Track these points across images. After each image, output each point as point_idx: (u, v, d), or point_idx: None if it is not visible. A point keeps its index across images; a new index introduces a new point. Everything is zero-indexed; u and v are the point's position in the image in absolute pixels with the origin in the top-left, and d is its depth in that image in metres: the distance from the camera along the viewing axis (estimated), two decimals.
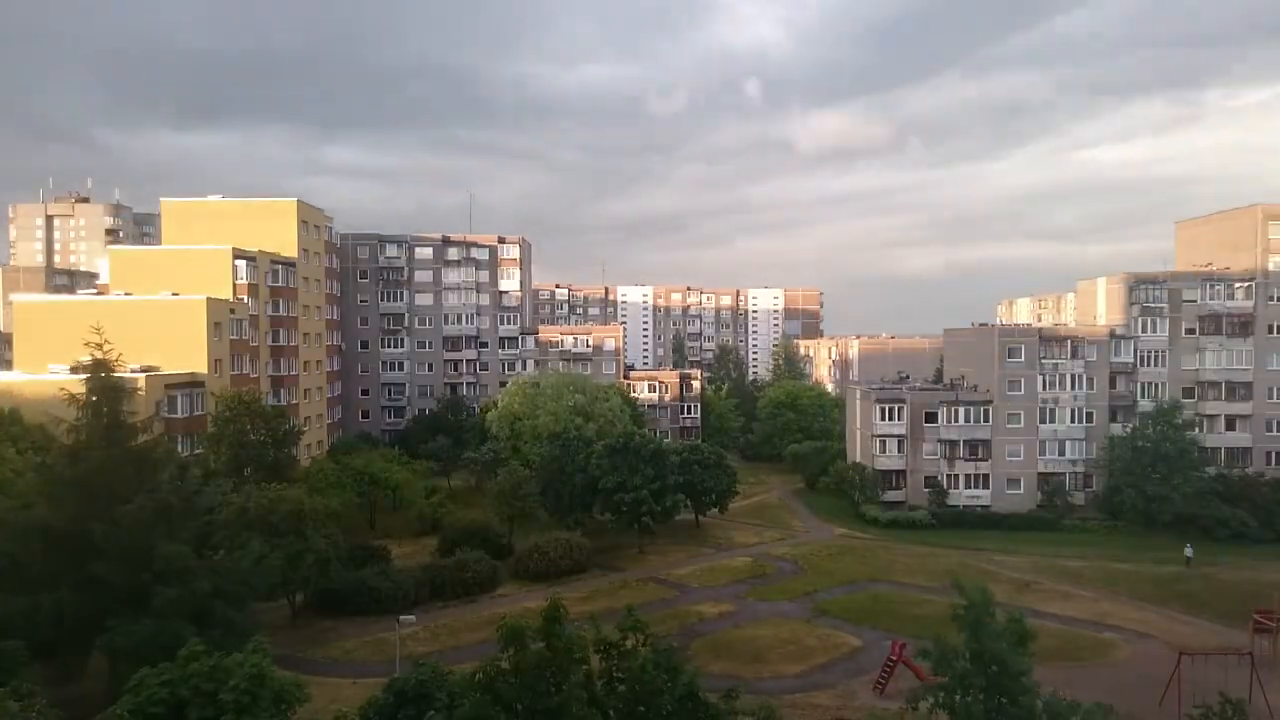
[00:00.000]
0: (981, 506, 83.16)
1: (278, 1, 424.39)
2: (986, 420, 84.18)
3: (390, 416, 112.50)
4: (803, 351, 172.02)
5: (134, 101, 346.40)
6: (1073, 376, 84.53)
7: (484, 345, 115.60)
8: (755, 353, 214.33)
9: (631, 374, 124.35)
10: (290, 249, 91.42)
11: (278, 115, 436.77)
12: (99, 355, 40.36)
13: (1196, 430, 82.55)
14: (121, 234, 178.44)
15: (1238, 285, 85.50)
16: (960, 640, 28.14)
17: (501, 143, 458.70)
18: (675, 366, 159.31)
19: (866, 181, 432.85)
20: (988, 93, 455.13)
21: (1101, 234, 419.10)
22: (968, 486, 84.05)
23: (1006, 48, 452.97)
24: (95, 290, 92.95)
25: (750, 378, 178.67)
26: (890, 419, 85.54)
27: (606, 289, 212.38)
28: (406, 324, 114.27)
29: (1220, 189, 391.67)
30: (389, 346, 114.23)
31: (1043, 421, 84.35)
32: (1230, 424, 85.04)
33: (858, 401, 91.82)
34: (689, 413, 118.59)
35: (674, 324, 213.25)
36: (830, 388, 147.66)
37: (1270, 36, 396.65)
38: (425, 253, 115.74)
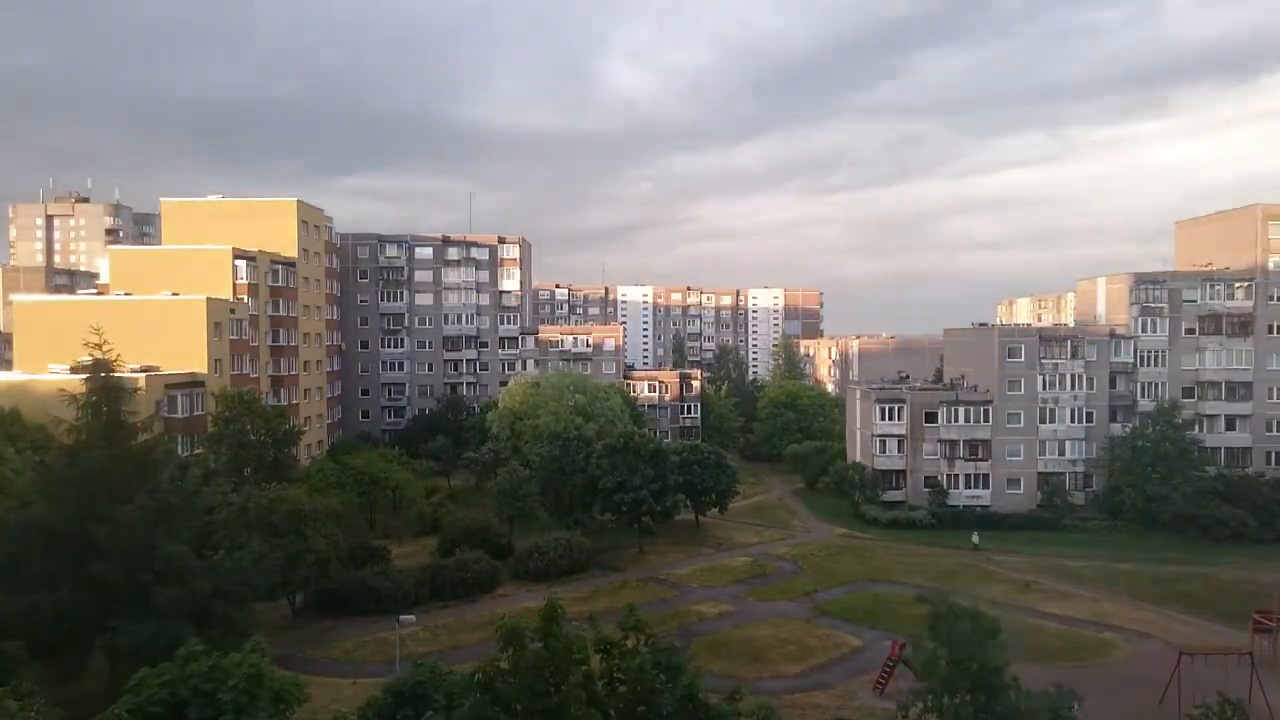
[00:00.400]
0: (981, 506, 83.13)
1: (277, 66, 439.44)
2: (986, 420, 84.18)
3: (390, 416, 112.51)
4: (803, 351, 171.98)
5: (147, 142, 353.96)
6: (1073, 376, 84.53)
7: (484, 345, 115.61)
8: (755, 353, 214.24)
9: (631, 374, 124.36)
10: (290, 249, 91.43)
11: (282, 153, 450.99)
12: (99, 355, 40.37)
13: (1196, 430, 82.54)
14: (121, 234, 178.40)
15: (1238, 285, 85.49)
16: (937, 645, 28.63)
17: (481, 170, 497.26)
18: (675, 366, 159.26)
19: (793, 201, 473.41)
20: (890, 128, 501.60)
21: (1022, 243, 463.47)
22: (968, 486, 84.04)
23: (895, 92, 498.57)
24: (95, 290, 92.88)
25: (750, 378, 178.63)
26: (890, 419, 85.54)
27: (606, 289, 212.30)
28: (406, 324, 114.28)
29: (1096, 206, 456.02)
30: (389, 346, 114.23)
31: (1043, 421, 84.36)
32: (1230, 424, 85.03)
33: (858, 401, 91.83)
34: (689, 413, 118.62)
35: (674, 324, 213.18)
36: (830, 388, 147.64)
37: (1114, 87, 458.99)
38: (425, 253, 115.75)
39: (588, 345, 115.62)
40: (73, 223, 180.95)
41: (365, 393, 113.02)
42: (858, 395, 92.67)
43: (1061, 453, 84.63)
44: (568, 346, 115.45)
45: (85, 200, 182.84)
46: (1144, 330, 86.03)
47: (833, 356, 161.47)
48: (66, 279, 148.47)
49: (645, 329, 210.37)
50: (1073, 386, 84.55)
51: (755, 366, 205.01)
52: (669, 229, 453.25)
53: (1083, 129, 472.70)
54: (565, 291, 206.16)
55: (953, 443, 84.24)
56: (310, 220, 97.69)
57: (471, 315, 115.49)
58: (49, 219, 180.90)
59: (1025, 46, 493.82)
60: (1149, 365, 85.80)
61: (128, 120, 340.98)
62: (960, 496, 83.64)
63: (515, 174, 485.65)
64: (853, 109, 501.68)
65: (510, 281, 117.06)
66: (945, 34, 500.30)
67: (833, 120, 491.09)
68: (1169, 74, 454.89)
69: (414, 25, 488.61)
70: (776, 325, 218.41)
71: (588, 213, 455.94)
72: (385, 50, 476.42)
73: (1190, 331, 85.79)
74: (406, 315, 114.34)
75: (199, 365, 68.48)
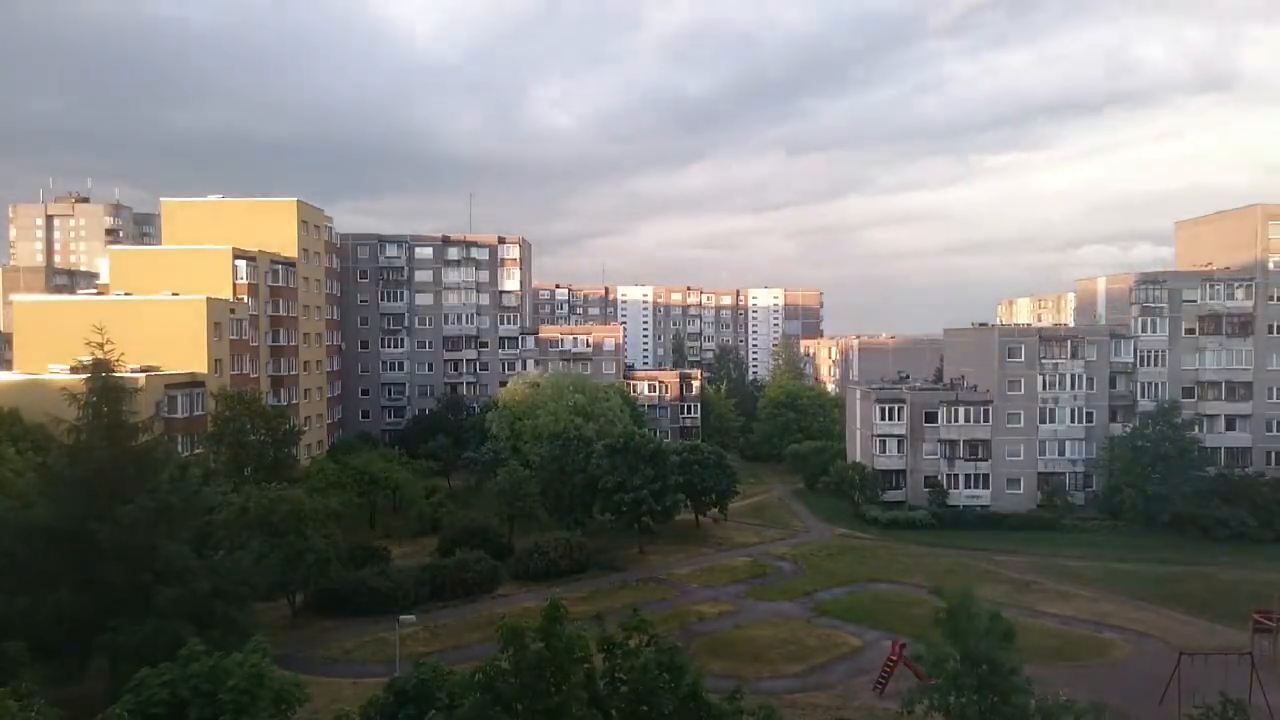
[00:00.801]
0: (981, 506, 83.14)
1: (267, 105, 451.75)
2: (986, 420, 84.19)
3: (390, 416, 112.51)
4: (803, 351, 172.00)
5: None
6: (1073, 376, 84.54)
7: (484, 345, 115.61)
8: (755, 353, 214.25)
9: (631, 374, 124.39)
10: (290, 249, 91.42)
11: (273, 188, 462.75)
12: (100, 355, 40.36)
13: (1196, 430, 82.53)
14: (121, 234, 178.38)
15: (1238, 285, 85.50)
16: (948, 642, 28.43)
17: (464, 188, 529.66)
18: (675, 366, 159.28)
19: (735, 221, 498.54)
20: (805, 159, 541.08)
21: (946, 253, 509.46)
22: (968, 486, 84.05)
23: (800, 130, 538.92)
24: (95, 290, 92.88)
25: (750, 378, 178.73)
26: (890, 419, 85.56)
27: (606, 289, 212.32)
28: (406, 324, 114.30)
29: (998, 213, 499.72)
30: (389, 346, 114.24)
31: (1043, 421, 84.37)
32: (1230, 424, 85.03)
33: (858, 401, 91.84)
34: (689, 413, 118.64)
35: (674, 324, 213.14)
36: (830, 388, 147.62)
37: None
38: (425, 253, 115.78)
39: (588, 345, 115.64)
40: (73, 223, 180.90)
41: (365, 393, 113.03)
42: (858, 395, 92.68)
43: (1061, 453, 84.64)
44: (568, 346, 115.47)
45: (85, 200, 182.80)
46: (1144, 330, 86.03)
47: (833, 356, 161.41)
48: (66, 279, 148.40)
49: (645, 329, 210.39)
50: (1073, 386, 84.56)
51: (755, 366, 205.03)
52: (632, 238, 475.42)
53: (979, 156, 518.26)
54: (565, 291, 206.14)
55: (953, 443, 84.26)
56: (310, 220, 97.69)
57: (471, 315, 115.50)
58: (49, 219, 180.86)
59: (911, 91, 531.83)
60: (1149, 365, 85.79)
61: (131, 154, 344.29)
62: (960, 496, 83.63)
63: (496, 194, 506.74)
64: (769, 142, 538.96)
65: (510, 281, 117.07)
66: (834, 87, 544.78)
67: (755, 151, 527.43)
68: (1031, 115, 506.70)
69: (388, 78, 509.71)
70: (776, 325, 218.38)
71: (553, 222, 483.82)
72: (370, 98, 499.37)
73: (1190, 331, 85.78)
74: (406, 315, 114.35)
75: (199, 365, 68.49)
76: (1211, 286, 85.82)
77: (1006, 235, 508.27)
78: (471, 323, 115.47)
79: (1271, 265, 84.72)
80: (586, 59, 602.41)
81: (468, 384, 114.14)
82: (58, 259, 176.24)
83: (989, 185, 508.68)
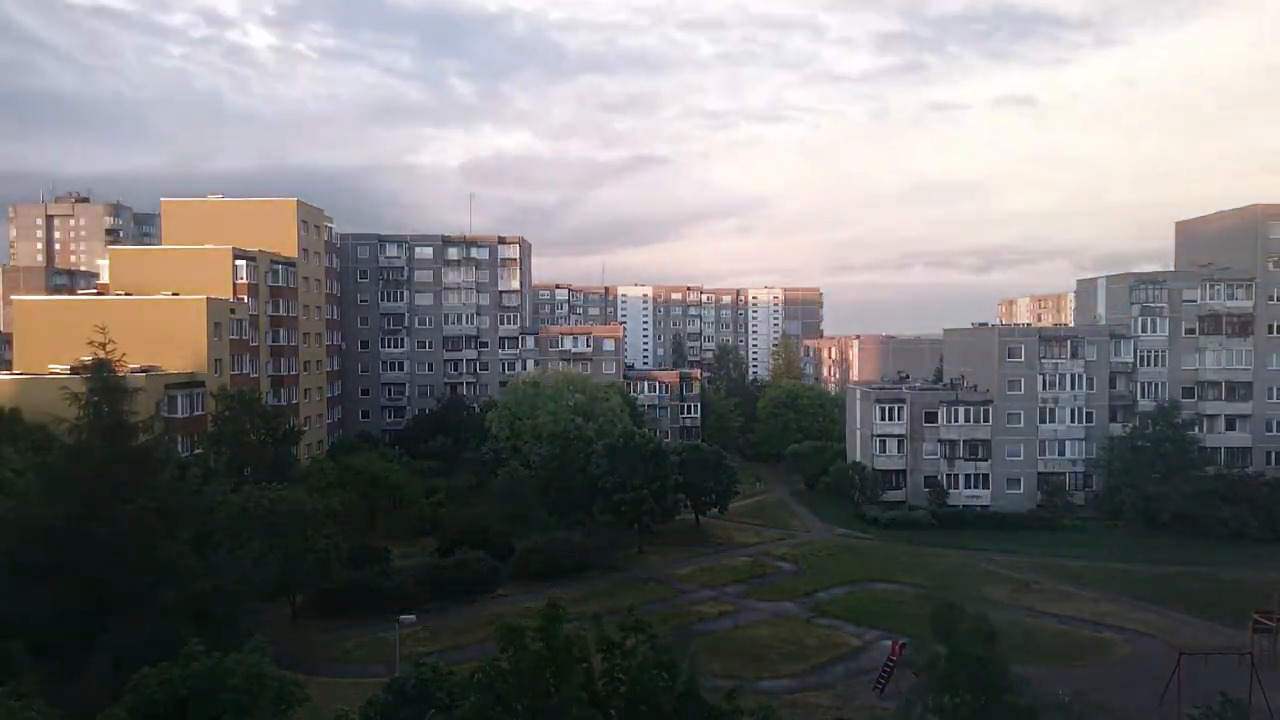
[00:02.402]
0: (981, 506, 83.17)
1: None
2: (986, 420, 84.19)
3: (390, 416, 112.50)
4: (803, 351, 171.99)
5: None
6: (1073, 376, 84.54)
7: (484, 345, 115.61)
8: (755, 353, 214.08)
9: (631, 374, 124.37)
10: (290, 249, 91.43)
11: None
12: (100, 355, 40.33)
13: (1196, 430, 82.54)
14: (121, 234, 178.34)
15: (1238, 285, 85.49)
16: (936, 642, 28.64)
17: None
18: (675, 366, 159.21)
19: None
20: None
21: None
22: (968, 486, 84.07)
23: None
24: (95, 290, 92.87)
25: (750, 378, 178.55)
26: (890, 419, 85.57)
27: (606, 289, 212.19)
28: (406, 324, 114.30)
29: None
30: (389, 346, 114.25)
31: (1043, 421, 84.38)
32: (1230, 424, 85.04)
33: (858, 401, 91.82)
34: (689, 413, 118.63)
35: (674, 324, 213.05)
36: (830, 388, 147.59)
37: None
38: (425, 253, 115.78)
39: (588, 345, 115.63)
40: (73, 223, 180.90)
41: (365, 393, 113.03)
42: (858, 395, 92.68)
43: (1061, 453, 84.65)
44: (568, 346, 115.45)
45: (85, 200, 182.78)
46: (1144, 330, 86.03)
47: (833, 356, 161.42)
48: (66, 279, 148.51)
49: (645, 329, 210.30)
50: (1073, 386, 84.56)
51: (755, 366, 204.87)
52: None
53: None
54: (565, 291, 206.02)
55: (953, 443, 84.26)
56: (310, 220, 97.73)
57: (471, 315, 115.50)
58: (49, 219, 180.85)
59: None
60: (1149, 365, 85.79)
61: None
62: (960, 496, 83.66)
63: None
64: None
65: (510, 281, 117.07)
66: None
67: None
68: None
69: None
70: (776, 325, 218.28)
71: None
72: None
73: (1190, 331, 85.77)
74: (406, 315, 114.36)
75: (199, 365, 68.52)
76: (1211, 286, 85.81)
77: None
78: (471, 323, 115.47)
79: (1271, 265, 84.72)
80: None
81: (468, 384, 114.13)
82: (58, 259, 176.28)
83: None
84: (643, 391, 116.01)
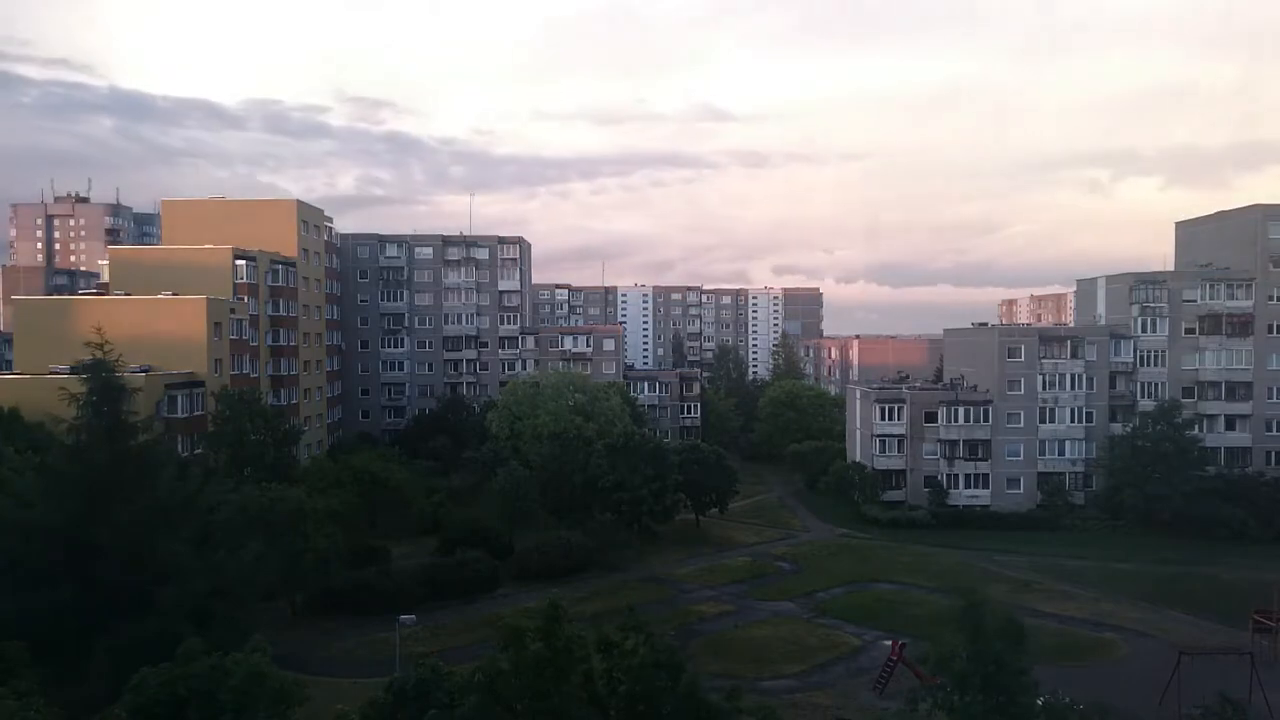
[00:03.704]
0: (981, 506, 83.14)
1: None
2: (986, 420, 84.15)
3: (390, 416, 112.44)
4: (803, 351, 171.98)
5: None
6: (1073, 376, 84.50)
7: (484, 345, 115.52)
8: (755, 353, 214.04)
9: (631, 373, 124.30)
10: (290, 249, 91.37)
11: None
12: (100, 355, 40.37)
13: (1196, 430, 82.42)
14: (121, 234, 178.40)
15: (1238, 285, 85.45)
16: (958, 641, 28.32)
17: None
18: (675, 366, 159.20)
19: None
20: None
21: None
22: (968, 486, 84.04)
23: None
24: (95, 290, 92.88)
25: (750, 378, 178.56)
26: (890, 419, 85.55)
27: (606, 288, 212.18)
28: (407, 324, 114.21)
29: None
30: (389, 346, 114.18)
31: (1043, 421, 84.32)
32: (1230, 424, 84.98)
33: (858, 401, 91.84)
34: (689, 413, 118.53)
35: (674, 324, 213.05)
36: (830, 388, 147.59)
37: None
38: (425, 253, 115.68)
39: (588, 345, 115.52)
40: (73, 223, 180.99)
41: (365, 393, 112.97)
42: (858, 395, 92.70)
43: (1061, 453, 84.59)
44: (568, 346, 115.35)
45: (85, 200, 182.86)
46: (1144, 330, 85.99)
47: (833, 356, 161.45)
48: (66, 279, 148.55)
49: (645, 329, 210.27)
50: (1073, 386, 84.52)
51: (755, 366, 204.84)
52: None
53: None
54: (565, 291, 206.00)
55: (953, 443, 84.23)
56: (310, 220, 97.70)
57: (471, 315, 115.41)
58: (49, 219, 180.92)
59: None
60: (1149, 365, 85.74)
61: None
62: (960, 496, 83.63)
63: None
64: None
65: (510, 281, 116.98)
66: None
67: None
68: None
69: None
70: (776, 325, 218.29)
71: None
72: None
73: (1190, 331, 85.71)
74: (407, 315, 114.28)
75: (199, 365, 68.47)
76: (1211, 286, 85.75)
77: None
78: (471, 323, 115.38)
79: (1271, 265, 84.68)
80: None
81: (468, 384, 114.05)
82: (58, 259, 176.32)
83: None
84: (643, 391, 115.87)
